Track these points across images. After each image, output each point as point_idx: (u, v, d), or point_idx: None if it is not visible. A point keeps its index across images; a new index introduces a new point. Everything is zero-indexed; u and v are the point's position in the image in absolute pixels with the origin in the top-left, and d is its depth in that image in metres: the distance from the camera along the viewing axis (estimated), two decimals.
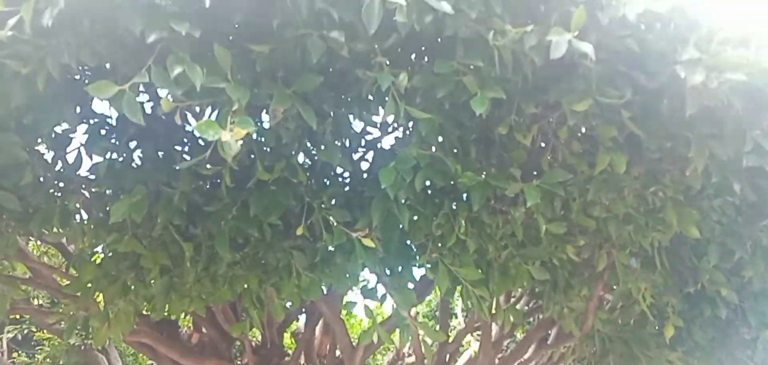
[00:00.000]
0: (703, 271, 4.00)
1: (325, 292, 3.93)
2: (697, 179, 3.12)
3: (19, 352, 7.23)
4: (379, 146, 3.33)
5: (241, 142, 2.33)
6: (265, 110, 2.70)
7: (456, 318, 10.41)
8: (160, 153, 2.88)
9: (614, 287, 4.50)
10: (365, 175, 3.24)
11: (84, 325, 3.29)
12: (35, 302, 6.22)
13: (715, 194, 3.51)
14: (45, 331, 6.67)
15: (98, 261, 3.18)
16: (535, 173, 3.11)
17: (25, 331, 7.16)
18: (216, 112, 2.37)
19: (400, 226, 2.92)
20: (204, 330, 5.30)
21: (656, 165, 3.22)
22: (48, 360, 6.88)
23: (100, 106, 2.91)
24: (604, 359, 4.77)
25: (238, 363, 5.50)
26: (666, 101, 2.76)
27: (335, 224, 2.79)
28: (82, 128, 2.87)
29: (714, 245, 3.83)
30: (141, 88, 2.30)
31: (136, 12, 2.06)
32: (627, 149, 2.96)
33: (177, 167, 2.48)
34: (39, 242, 5.61)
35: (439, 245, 3.21)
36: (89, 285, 3.14)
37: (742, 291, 4.26)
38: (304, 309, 5.44)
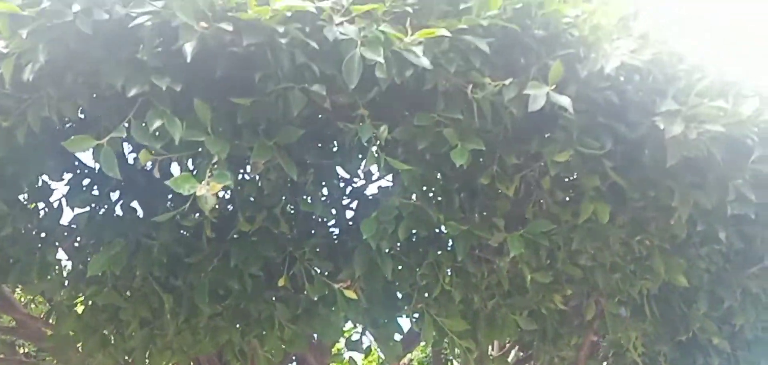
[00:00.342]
0: (693, 319, 3.98)
1: (314, 340, 3.89)
2: (682, 227, 3.12)
3: None
4: (366, 192, 3.33)
5: (222, 193, 2.33)
6: (247, 162, 2.71)
7: (451, 363, 10.26)
8: (142, 204, 2.88)
9: (605, 335, 4.46)
10: (351, 224, 3.24)
11: None
12: (21, 351, 6.11)
13: (701, 242, 3.51)
14: None
15: (79, 313, 3.13)
16: (519, 222, 3.11)
17: None
18: (197, 164, 2.37)
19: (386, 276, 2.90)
20: None
21: (641, 214, 3.22)
22: None
23: (83, 155, 2.92)
24: None
25: None
26: (647, 151, 2.78)
27: (317, 274, 2.77)
28: (65, 178, 2.86)
29: (703, 293, 3.82)
30: (124, 136, 2.31)
31: (118, 67, 2.08)
32: (611, 199, 2.96)
33: (155, 219, 2.47)
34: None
35: (425, 295, 3.19)
36: (70, 336, 3.09)
37: (733, 339, 4.23)
38: (293, 358, 5.36)
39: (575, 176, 3.02)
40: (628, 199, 3.06)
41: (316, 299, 2.94)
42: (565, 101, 2.31)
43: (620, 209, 3.11)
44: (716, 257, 3.57)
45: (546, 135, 2.71)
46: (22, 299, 5.68)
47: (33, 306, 5.42)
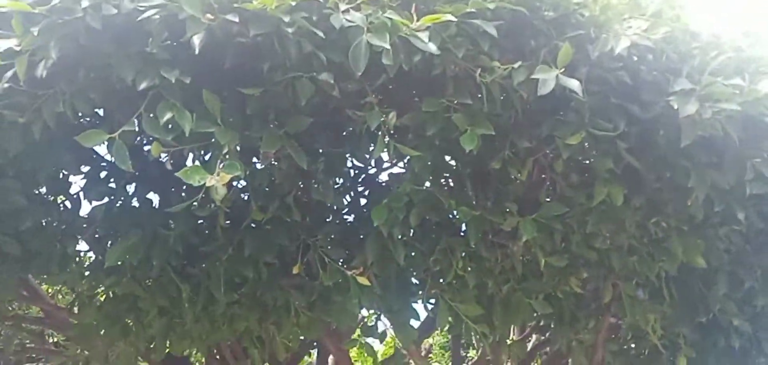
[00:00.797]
0: (713, 301, 3.92)
1: (333, 326, 3.93)
2: (699, 208, 3.07)
3: None
4: (378, 180, 3.34)
5: (236, 183, 2.36)
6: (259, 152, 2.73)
7: (474, 348, 10.26)
8: (158, 195, 2.93)
9: (623, 318, 4.41)
10: (365, 211, 3.25)
11: None
12: (51, 340, 6.27)
13: (720, 223, 3.45)
14: None
15: (100, 302, 3.21)
16: (533, 206, 3.09)
17: None
18: (209, 155, 2.40)
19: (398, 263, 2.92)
20: None
21: (657, 195, 3.18)
22: None
23: (100, 148, 2.97)
24: None
25: None
26: (662, 131, 2.74)
27: (330, 261, 2.79)
28: (82, 171, 2.92)
29: (722, 274, 3.76)
30: (137, 130, 2.36)
31: (128, 61, 2.12)
32: (625, 180, 2.93)
33: (169, 210, 2.51)
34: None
35: (440, 281, 3.20)
36: (92, 325, 3.17)
37: (755, 320, 4.16)
38: (315, 344, 5.42)
39: (589, 158, 3.00)
40: (644, 180, 3.03)
41: (330, 286, 2.97)
42: (574, 83, 2.29)
43: (635, 190, 3.07)
44: (736, 237, 3.52)
45: (558, 118, 2.69)
46: (50, 290, 5.83)
47: (59, 296, 5.55)
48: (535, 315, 3.57)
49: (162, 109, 2.08)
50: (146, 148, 2.96)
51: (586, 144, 2.79)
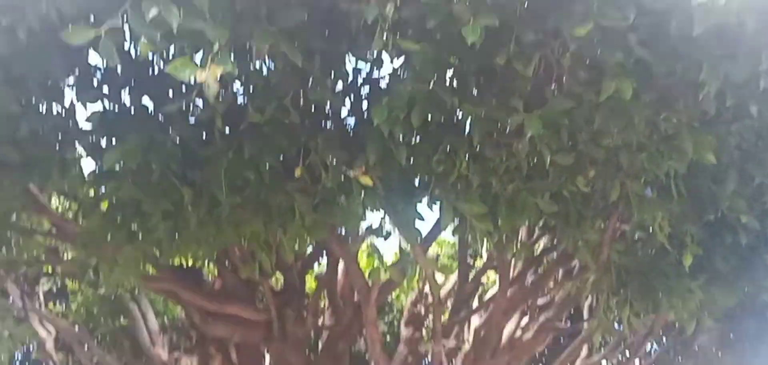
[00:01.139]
0: (722, 198, 3.88)
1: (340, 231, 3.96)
2: (711, 103, 2.99)
3: (55, 303, 7.51)
4: (379, 80, 3.26)
5: (231, 85, 2.29)
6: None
7: (481, 258, 10.40)
8: (153, 102, 2.88)
9: (631, 218, 4.40)
10: (366, 115, 3.19)
11: (95, 271, 3.37)
12: (65, 256, 6.41)
13: (732, 118, 3.38)
14: (79, 283, 6.91)
15: (104, 209, 3.22)
16: (540, 104, 3.01)
17: (60, 283, 7.40)
18: (200, 54, 2.33)
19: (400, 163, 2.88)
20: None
21: (668, 91, 3.09)
22: (82, 309, 7.13)
23: (92, 57, 2.90)
24: (621, 291, 4.70)
25: (261, 306, 5.60)
26: (674, 21, 2.62)
27: (332, 163, 2.76)
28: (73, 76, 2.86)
29: (733, 171, 3.71)
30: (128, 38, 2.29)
31: None
32: (635, 75, 2.83)
33: (164, 110, 2.47)
34: (62, 197, 5.75)
35: (445, 180, 3.17)
36: (98, 230, 3.19)
37: (764, 217, 4.13)
38: (325, 251, 5.48)
39: (598, 53, 2.89)
40: (654, 75, 2.93)
41: (333, 188, 2.95)
42: None
43: (645, 85, 2.98)
44: (747, 133, 3.45)
45: (564, 9, 2.57)
46: (60, 208, 5.91)
47: (70, 214, 5.62)
48: (541, 214, 3.54)
49: (147, 4, 2.00)
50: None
51: (594, 38, 2.68)
